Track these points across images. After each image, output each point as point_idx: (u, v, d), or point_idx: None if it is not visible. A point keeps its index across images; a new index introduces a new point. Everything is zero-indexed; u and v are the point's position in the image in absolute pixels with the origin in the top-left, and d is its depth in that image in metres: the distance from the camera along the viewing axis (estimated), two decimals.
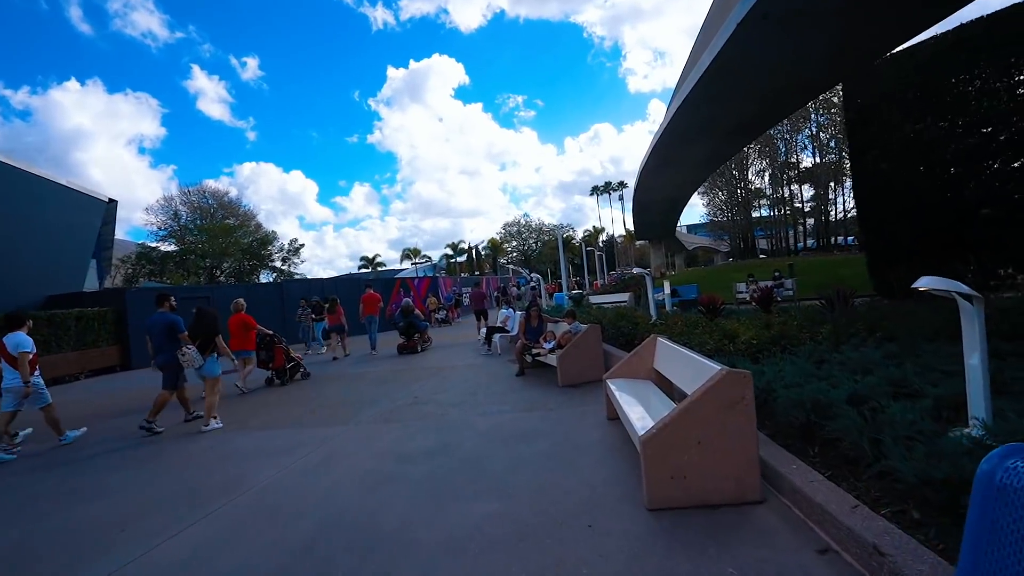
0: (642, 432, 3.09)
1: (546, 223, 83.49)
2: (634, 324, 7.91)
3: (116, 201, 18.27)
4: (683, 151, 27.66)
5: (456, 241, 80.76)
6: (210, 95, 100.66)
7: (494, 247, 79.79)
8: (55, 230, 15.42)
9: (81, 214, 16.34)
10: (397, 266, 77.43)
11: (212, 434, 5.91)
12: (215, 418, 6.26)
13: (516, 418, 5.47)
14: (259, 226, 51.68)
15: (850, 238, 44.47)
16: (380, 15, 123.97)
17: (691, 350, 4.17)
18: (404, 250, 77.93)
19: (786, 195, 47.64)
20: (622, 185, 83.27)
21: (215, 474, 4.40)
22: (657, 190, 38.55)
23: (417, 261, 78.00)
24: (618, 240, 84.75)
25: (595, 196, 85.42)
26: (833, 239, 46.08)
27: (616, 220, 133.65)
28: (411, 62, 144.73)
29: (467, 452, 4.40)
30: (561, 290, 22.29)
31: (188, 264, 46.12)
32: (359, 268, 71.47)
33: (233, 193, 53.86)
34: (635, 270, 8.67)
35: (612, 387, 4.72)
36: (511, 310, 11.45)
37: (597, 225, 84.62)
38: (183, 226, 46.73)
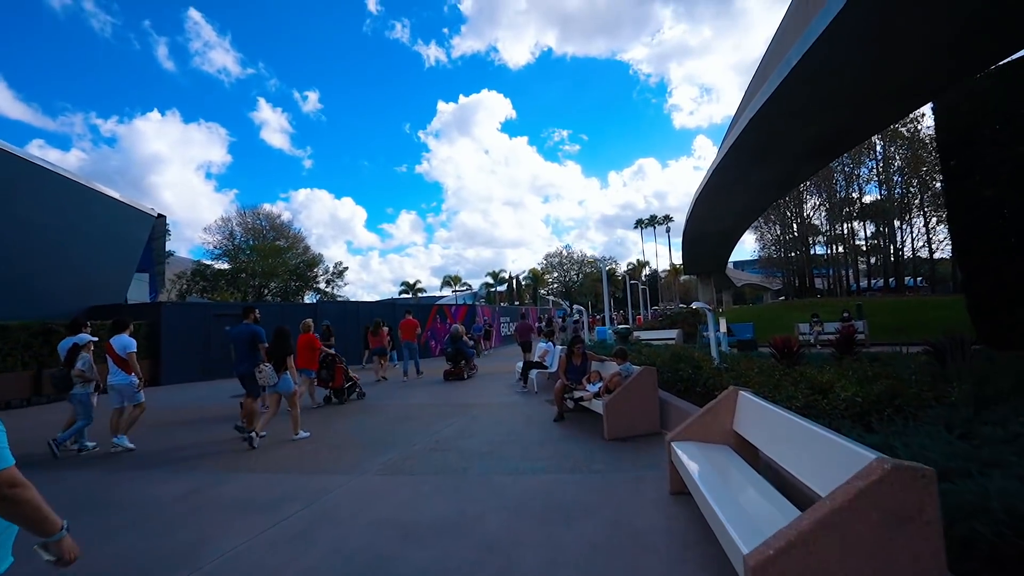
0: (749, 550, 2.02)
1: (588, 255, 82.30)
2: (695, 367, 6.75)
3: (164, 216, 18.64)
4: (747, 173, 25.88)
5: (497, 270, 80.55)
6: (273, 125, 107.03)
7: (535, 277, 79.04)
8: (103, 241, 15.64)
9: (129, 227, 16.59)
10: (437, 293, 77.75)
11: (197, 476, 5.12)
12: (299, 431, 6.67)
13: (554, 482, 4.42)
14: (307, 248, 53.08)
15: (919, 279, 41.23)
16: (433, 53, 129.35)
17: (798, 415, 3.06)
18: (445, 277, 78.27)
19: (844, 231, 44.84)
20: (667, 219, 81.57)
21: (174, 535, 3.54)
22: (712, 220, 36.63)
23: (457, 289, 78.11)
24: (661, 275, 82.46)
25: (639, 230, 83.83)
26: (901, 280, 42.84)
27: (660, 255, 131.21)
28: (460, 97, 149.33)
29: (490, 532, 3.39)
30: (604, 324, 21.06)
31: (238, 282, 47.67)
32: (399, 293, 72.07)
33: (286, 216, 55.77)
34: (694, 304, 7.47)
35: (680, 453, 3.63)
36: (551, 344, 10.44)
37: (640, 259, 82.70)
38: (237, 246, 48.47)
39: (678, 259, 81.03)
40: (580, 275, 79.72)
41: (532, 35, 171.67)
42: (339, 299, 49.46)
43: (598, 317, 36.20)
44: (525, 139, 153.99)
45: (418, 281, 74.87)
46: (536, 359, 10.45)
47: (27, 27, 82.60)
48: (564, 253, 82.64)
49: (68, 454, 6.21)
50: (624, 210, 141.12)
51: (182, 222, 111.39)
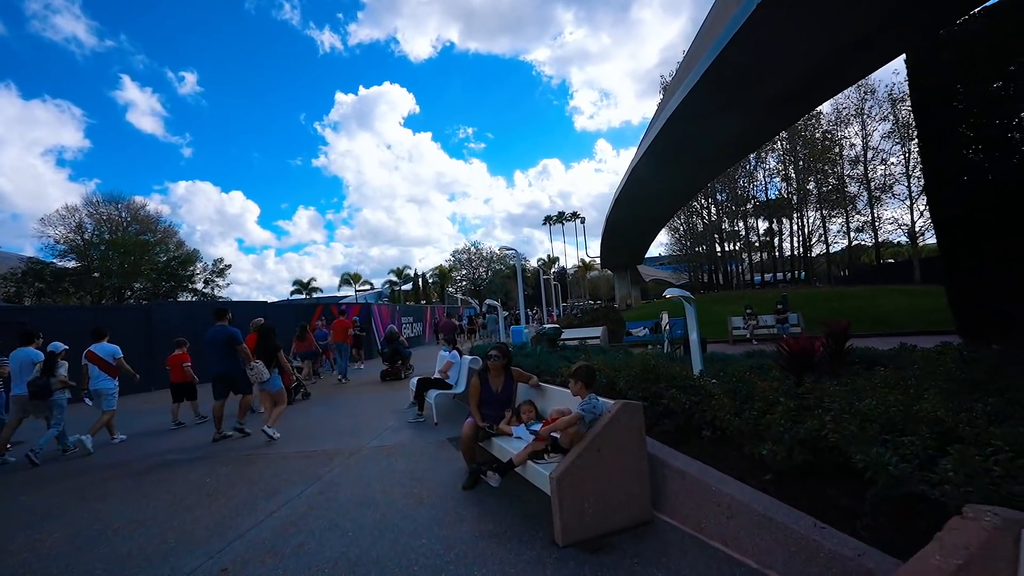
0: None
1: (497, 251, 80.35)
2: (684, 389, 4.25)
3: None
4: (699, 135, 22.13)
5: (401, 267, 75.96)
6: (141, 107, 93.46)
7: (442, 275, 75.68)
8: None
9: None
10: (336, 292, 71.59)
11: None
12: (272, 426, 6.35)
13: None
14: (180, 244, 45.93)
15: (799, 273, 43.63)
16: (328, 39, 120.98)
17: None
18: (344, 275, 72.37)
19: (740, 228, 46.54)
20: (575, 216, 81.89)
21: None
22: (642, 202, 34.22)
23: (359, 287, 72.51)
24: (570, 271, 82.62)
25: (547, 226, 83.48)
26: (789, 273, 45.25)
27: (568, 253, 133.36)
28: (360, 88, 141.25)
29: None
30: (520, 323, 18.59)
31: (89, 283, 39.63)
32: (291, 293, 65.26)
33: (151, 207, 47.69)
34: (668, 293, 4.88)
35: None
36: (455, 353, 7.56)
37: (551, 254, 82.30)
38: (88, 241, 40.40)
39: (586, 255, 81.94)
40: (489, 272, 77.52)
41: (434, 28, 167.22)
42: (220, 299, 43.02)
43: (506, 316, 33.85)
44: (429, 135, 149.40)
45: (313, 279, 68.37)
46: (435, 375, 7.54)
47: None
48: (472, 250, 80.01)
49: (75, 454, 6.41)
50: (530, 209, 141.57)
51: (25, 215, 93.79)
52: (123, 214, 43.31)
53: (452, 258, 79.29)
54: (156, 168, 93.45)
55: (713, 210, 45.84)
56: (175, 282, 44.16)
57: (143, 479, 5.12)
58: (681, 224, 50.29)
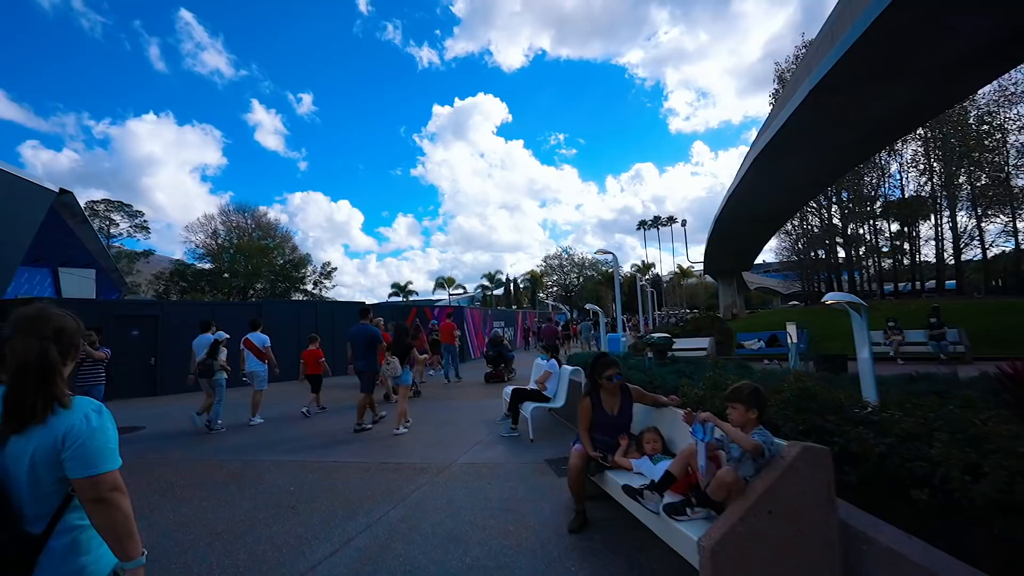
0: None
1: (589, 257, 78.61)
2: (873, 426, 3.15)
3: (71, 193, 14.97)
4: (846, 110, 18.25)
5: (494, 271, 76.86)
6: (267, 127, 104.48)
7: (534, 280, 75.55)
8: None
9: (16, 205, 12.96)
10: (431, 296, 74.12)
11: None
12: (407, 422, 6.94)
13: None
14: (295, 248, 50.05)
15: (932, 282, 37.44)
16: (426, 55, 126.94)
17: None
18: (438, 279, 74.71)
19: (865, 232, 40.94)
20: (672, 220, 78.01)
21: None
22: (762, 196, 29.73)
23: (452, 291, 74.51)
24: (665, 278, 78.72)
25: (641, 231, 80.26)
26: (922, 282, 39.09)
27: (663, 260, 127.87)
28: (455, 100, 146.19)
29: None
30: (616, 330, 17.44)
31: (221, 283, 44.47)
32: (389, 295, 68.48)
33: (272, 215, 52.60)
34: (829, 298, 3.70)
35: None
36: (554, 363, 6.81)
37: (645, 260, 79.06)
38: (220, 245, 45.41)
39: (686, 260, 77.65)
40: (581, 278, 76.12)
41: (526, 37, 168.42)
42: (327, 300, 46.13)
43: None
44: (521, 142, 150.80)
45: (409, 283, 71.14)
46: (532, 387, 6.85)
47: (15, 26, 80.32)
48: (564, 255, 79.01)
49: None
50: (622, 214, 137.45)
51: (176, 224, 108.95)
52: (249, 222, 47.97)
53: (544, 263, 78.98)
54: (277, 180, 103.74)
55: (834, 210, 40.81)
56: (289, 283, 48.16)
57: (233, 481, 4.91)
58: (795, 227, 45.41)
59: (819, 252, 44.58)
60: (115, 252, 42.23)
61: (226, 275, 44.79)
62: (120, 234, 47.66)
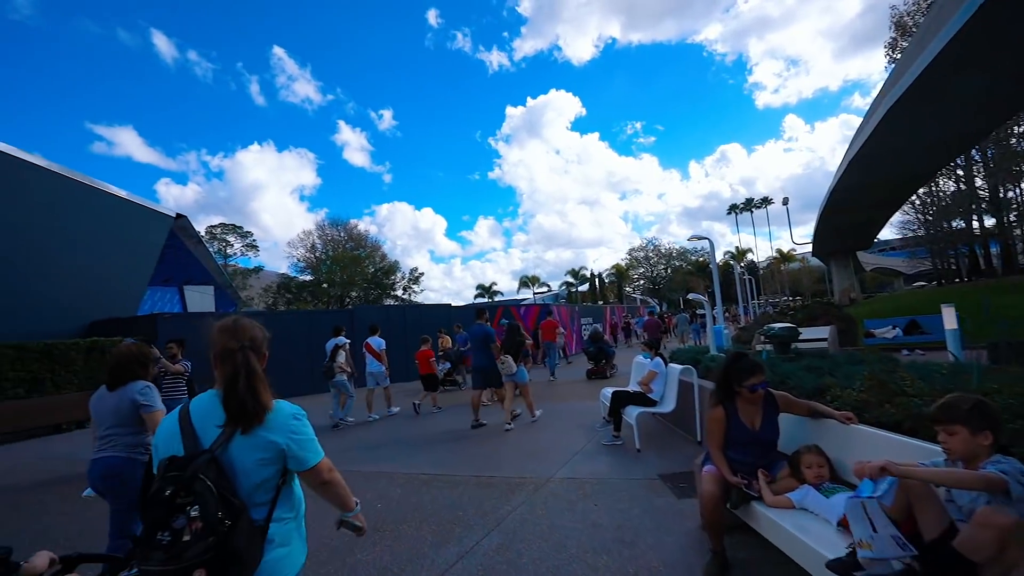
0: None
1: (676, 248, 74.80)
2: None
3: (186, 217, 16.36)
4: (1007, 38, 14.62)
5: (578, 268, 75.56)
6: (354, 145, 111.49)
7: (619, 274, 73.36)
8: (111, 247, 13.40)
9: (141, 230, 14.33)
10: (516, 296, 74.42)
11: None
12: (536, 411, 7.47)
13: None
14: (384, 257, 52.46)
15: None
16: (495, 58, 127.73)
17: None
18: (522, 278, 74.80)
19: (1015, 195, 34.56)
20: (767, 201, 72.23)
21: None
22: (893, 157, 24.86)
23: (536, 290, 74.29)
24: (761, 264, 72.91)
25: (733, 216, 75.22)
26: None
27: (759, 245, 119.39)
28: (528, 99, 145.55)
29: None
30: (717, 322, 15.97)
31: (320, 292, 47.78)
32: (475, 296, 69.57)
33: (362, 227, 55.68)
34: None
35: None
36: (658, 361, 6.01)
37: (739, 246, 73.88)
38: (318, 257, 48.71)
39: (783, 245, 71.52)
40: (668, 269, 72.76)
41: (595, 27, 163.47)
42: (414, 304, 47.89)
43: (691, 312, 30.34)
44: (596, 135, 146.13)
45: (494, 283, 71.81)
46: (634, 389, 6.10)
47: (149, 80, 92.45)
48: (650, 247, 75.94)
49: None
50: (708, 200, 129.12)
51: (280, 241, 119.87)
52: (342, 234, 50.86)
53: (628, 256, 76.50)
54: (365, 194, 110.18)
55: (975, 170, 34.70)
56: (381, 289, 50.55)
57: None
58: (921, 197, 39.10)
59: (954, 222, 38.10)
60: (231, 270, 46.50)
61: (324, 285, 47.99)
62: (234, 253, 52.42)
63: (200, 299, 26.73)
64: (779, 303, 46.40)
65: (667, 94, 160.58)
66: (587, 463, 5.14)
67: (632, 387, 6.64)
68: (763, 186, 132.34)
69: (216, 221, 59.65)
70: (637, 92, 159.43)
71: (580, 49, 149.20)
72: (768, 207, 72.24)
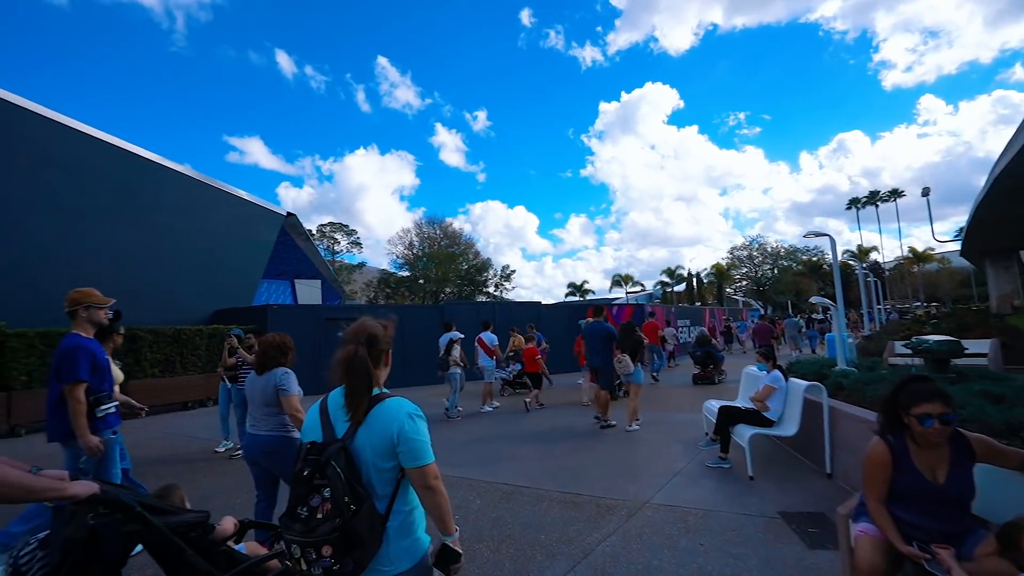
0: None
1: (785, 245, 68.62)
2: None
3: (295, 215, 17.54)
4: None
5: (674, 267, 72.14)
6: (449, 146, 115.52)
7: (719, 274, 68.94)
8: (229, 242, 14.69)
9: (256, 227, 15.56)
10: (608, 295, 72.66)
11: None
12: (638, 420, 7.03)
13: None
14: (477, 254, 53.66)
15: None
16: (589, 54, 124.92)
17: None
18: (614, 276, 72.77)
19: None
20: (896, 194, 63.73)
21: None
22: None
23: (630, 289, 71.99)
24: (886, 265, 64.56)
25: (854, 210, 67.34)
26: None
27: (885, 244, 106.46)
28: (622, 94, 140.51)
29: None
30: (834, 330, 14.14)
31: (416, 288, 50.06)
32: (566, 295, 68.85)
33: (457, 225, 57.55)
34: None
35: None
36: (777, 374, 5.14)
37: (861, 244, 66.18)
38: (415, 255, 50.99)
39: (916, 243, 62.76)
40: (775, 269, 66.95)
41: (694, 14, 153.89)
42: (504, 301, 48.45)
43: (813, 320, 27.40)
44: (695, 128, 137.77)
45: (585, 282, 70.60)
46: (745, 405, 5.30)
47: (273, 94, 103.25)
48: (755, 245, 70.37)
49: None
50: (822, 194, 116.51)
51: (382, 239, 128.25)
52: (438, 232, 52.68)
53: (729, 255, 71.56)
54: (460, 193, 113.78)
55: None
56: (473, 286, 51.78)
57: None
58: None
59: None
60: (337, 265, 49.95)
61: (420, 281, 50.08)
62: (341, 250, 56.24)
63: (309, 292, 28.85)
64: (909, 309, 40.75)
65: (775, 81, 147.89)
66: (689, 488, 4.49)
67: (741, 401, 5.83)
68: (890, 177, 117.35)
69: (326, 220, 64.34)
70: (741, 81, 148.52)
71: (678, 39, 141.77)
72: (897, 200, 63.82)
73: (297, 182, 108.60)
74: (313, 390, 9.34)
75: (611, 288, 73.22)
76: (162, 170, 13.38)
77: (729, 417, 5.06)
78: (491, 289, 53.79)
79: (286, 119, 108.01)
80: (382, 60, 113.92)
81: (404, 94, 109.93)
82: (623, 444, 6.22)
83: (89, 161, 11.73)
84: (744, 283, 69.38)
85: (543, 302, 19.39)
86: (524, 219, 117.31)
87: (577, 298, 67.11)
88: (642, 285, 73.84)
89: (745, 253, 70.12)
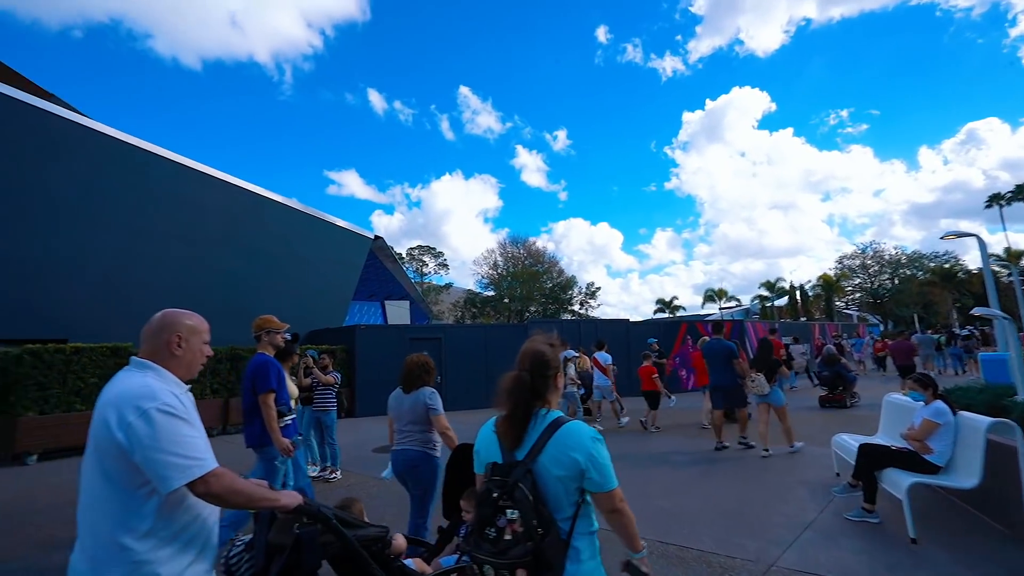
0: None
1: (907, 251, 61.05)
2: None
3: (382, 238, 18.14)
4: None
5: (774, 279, 66.73)
6: (531, 167, 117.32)
7: (828, 285, 62.64)
8: (322, 266, 15.43)
9: (347, 251, 16.24)
10: (700, 311, 68.77)
11: None
12: (795, 441, 6.54)
13: None
14: (561, 272, 53.27)
15: None
16: (669, 64, 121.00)
17: None
18: (707, 291, 68.64)
19: None
20: None
21: None
22: None
23: (724, 304, 67.58)
24: None
25: (996, 208, 58.35)
26: None
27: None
28: (706, 102, 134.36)
29: None
30: (993, 346, 11.88)
31: (501, 307, 50.56)
32: (654, 312, 66.04)
33: (540, 244, 57.70)
34: None
35: None
36: (942, 406, 4.04)
37: (1009, 247, 57.16)
38: (499, 274, 51.67)
39: None
40: (895, 279, 59.52)
41: (784, 10, 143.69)
42: (589, 318, 47.57)
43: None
44: (790, 131, 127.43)
45: (675, 298, 67.12)
46: (894, 444, 4.25)
47: (364, 128, 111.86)
48: (867, 253, 63.20)
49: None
50: (948, 193, 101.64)
51: (467, 260, 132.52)
52: (521, 251, 53.00)
53: (839, 265, 64.88)
54: (542, 213, 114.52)
55: None
56: (558, 304, 51.23)
57: None
58: None
59: None
60: (425, 287, 51.74)
61: (505, 300, 50.42)
62: (429, 272, 58.27)
63: (398, 312, 29.87)
64: None
65: (883, 73, 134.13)
66: (827, 547, 3.59)
67: (885, 437, 4.77)
68: None
69: (415, 244, 67.21)
70: (841, 76, 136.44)
71: (766, 39, 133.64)
72: None
73: (388, 209, 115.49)
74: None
75: (703, 303, 69.05)
76: (264, 201, 14.39)
77: (874, 459, 4.07)
78: (576, 307, 52.93)
79: (378, 151, 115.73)
80: (464, 89, 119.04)
81: (485, 120, 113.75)
82: (736, 482, 5.33)
83: (203, 195, 12.89)
84: (858, 295, 62.45)
85: (630, 319, 18.34)
86: (608, 236, 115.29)
87: (666, 315, 64.11)
88: (737, 300, 68.87)
89: (857, 262, 63.14)
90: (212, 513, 1.57)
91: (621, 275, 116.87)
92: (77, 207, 11.08)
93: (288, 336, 4.07)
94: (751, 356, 14.54)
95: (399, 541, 1.89)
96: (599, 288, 54.57)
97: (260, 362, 3.69)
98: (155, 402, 1.42)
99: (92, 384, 9.26)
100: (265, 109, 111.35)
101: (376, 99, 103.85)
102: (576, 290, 53.51)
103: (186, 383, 1.63)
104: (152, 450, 1.37)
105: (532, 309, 50.17)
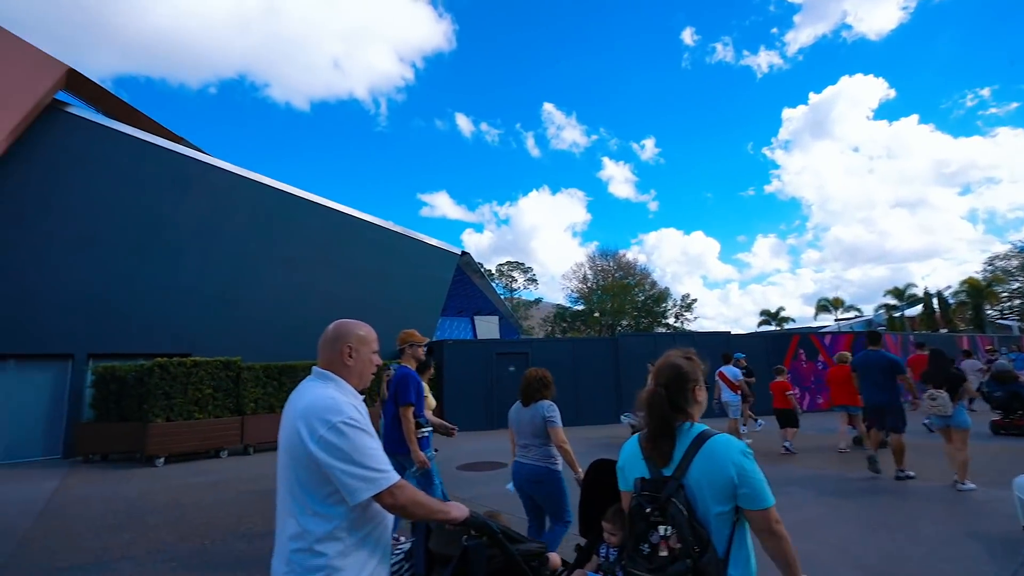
0: None
1: None
2: None
3: (469, 254, 18.28)
4: None
5: (903, 286, 58.99)
6: (618, 179, 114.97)
7: (976, 291, 54.08)
8: (412, 283, 15.86)
9: (435, 267, 16.57)
10: (812, 322, 62.44)
11: None
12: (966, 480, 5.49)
13: None
14: (654, 284, 51.27)
15: None
16: (764, 59, 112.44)
17: None
18: (820, 301, 62.13)
19: None
20: None
21: None
22: None
23: (841, 315, 60.80)
24: None
25: None
26: None
27: None
28: (810, 96, 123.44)
29: None
30: None
31: (591, 321, 49.59)
32: (759, 324, 61.01)
33: (630, 256, 55.98)
34: None
35: None
36: None
37: None
38: (589, 288, 50.87)
39: None
40: None
41: None
42: (685, 331, 45.13)
43: None
44: (914, 119, 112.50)
45: (781, 308, 61.36)
46: None
47: (454, 151, 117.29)
48: None
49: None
50: None
51: (556, 274, 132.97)
52: (611, 264, 51.74)
53: (988, 267, 55.80)
54: (631, 224, 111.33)
55: None
56: (651, 317, 49.11)
57: None
58: None
59: None
60: (515, 302, 52.10)
61: (596, 314, 49.28)
62: (518, 288, 58.70)
63: (488, 328, 30.12)
64: None
65: None
66: None
67: None
68: None
69: (503, 260, 68.30)
70: (976, 51, 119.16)
71: (878, 19, 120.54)
72: None
73: (478, 228, 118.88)
74: (484, 419, 9.41)
75: (816, 314, 62.50)
76: (358, 222, 15.12)
77: None
78: (671, 320, 50.40)
79: (466, 172, 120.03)
80: (548, 106, 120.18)
81: (570, 134, 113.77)
82: (880, 529, 4.34)
83: (305, 220, 13.89)
84: (1017, 302, 53.22)
85: (731, 332, 16.78)
86: (703, 245, 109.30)
87: (772, 327, 58.99)
88: (858, 310, 61.54)
89: (1015, 263, 53.88)
90: (390, 521, 1.64)
91: (719, 286, 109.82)
92: (198, 234, 12.31)
93: (426, 349, 4.22)
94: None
95: (554, 558, 1.91)
96: (695, 300, 51.57)
97: (403, 376, 3.90)
98: (341, 416, 1.48)
99: (207, 394, 10.06)
100: (364, 140, 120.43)
101: (463, 122, 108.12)
102: (670, 302, 51.07)
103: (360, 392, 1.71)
104: (342, 463, 1.44)
105: (624, 323, 48.59)
